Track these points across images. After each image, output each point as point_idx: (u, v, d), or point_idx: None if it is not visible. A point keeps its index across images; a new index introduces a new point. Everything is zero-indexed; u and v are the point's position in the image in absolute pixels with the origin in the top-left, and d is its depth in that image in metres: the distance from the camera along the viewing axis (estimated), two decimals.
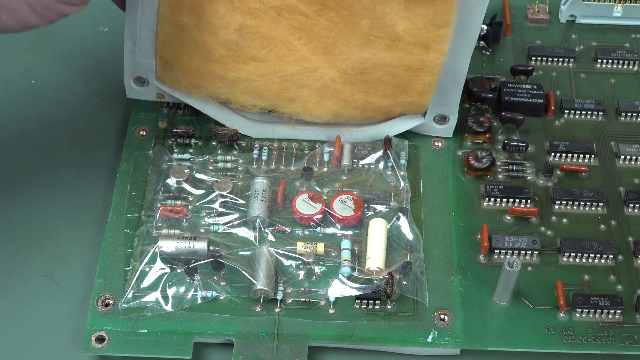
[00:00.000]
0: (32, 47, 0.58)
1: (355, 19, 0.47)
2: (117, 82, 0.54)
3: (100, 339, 0.45)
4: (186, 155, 0.52)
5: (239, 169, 0.51)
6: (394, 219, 0.49)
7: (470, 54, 0.49)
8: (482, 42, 0.58)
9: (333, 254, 0.48)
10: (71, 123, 0.54)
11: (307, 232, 0.49)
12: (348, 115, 0.52)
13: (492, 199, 0.50)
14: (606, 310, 0.46)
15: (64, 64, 0.57)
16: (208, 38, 0.48)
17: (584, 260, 0.48)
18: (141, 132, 0.53)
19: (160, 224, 0.49)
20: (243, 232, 0.48)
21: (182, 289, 0.46)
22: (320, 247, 0.48)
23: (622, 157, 0.53)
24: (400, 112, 0.52)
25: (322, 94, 0.50)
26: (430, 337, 0.45)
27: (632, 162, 0.53)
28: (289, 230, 0.49)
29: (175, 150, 0.52)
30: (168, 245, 0.47)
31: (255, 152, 0.52)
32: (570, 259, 0.48)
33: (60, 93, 0.55)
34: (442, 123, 0.52)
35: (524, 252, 0.48)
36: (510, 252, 0.48)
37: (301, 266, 0.47)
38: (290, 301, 0.46)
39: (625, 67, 0.58)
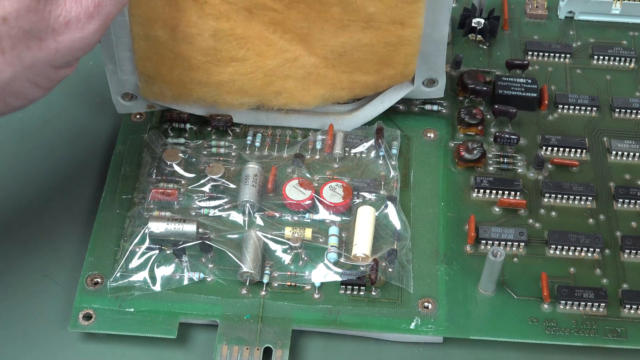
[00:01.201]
0: None
1: (325, 7, 0.47)
2: None
3: (88, 317, 0.45)
4: (181, 140, 0.53)
5: (232, 154, 0.52)
6: (383, 207, 0.49)
7: (447, 21, 0.49)
8: (479, 36, 0.58)
9: (321, 240, 0.48)
10: (71, 123, 0.55)
11: (296, 218, 0.49)
12: (336, 97, 0.52)
13: (482, 191, 0.51)
14: (590, 303, 0.46)
15: None
16: (185, 47, 0.49)
17: (570, 253, 0.48)
18: (137, 116, 0.54)
19: (152, 206, 0.49)
20: (233, 216, 0.49)
21: (169, 270, 0.47)
22: (308, 232, 0.48)
23: (614, 152, 0.53)
24: (387, 85, 0.52)
25: (307, 81, 0.51)
26: (413, 324, 0.46)
27: (624, 158, 0.53)
28: (278, 216, 0.49)
29: (170, 135, 0.53)
30: (158, 227, 0.47)
31: (249, 138, 0.53)
32: (557, 252, 0.48)
33: (60, 93, 0.56)
34: (431, 86, 0.53)
35: (510, 243, 0.48)
36: (497, 242, 0.48)
37: (288, 251, 0.48)
38: (276, 285, 0.47)
39: (621, 64, 0.58)
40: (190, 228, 0.48)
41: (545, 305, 0.46)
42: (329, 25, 0.48)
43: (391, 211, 0.49)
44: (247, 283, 0.47)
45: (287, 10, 0.47)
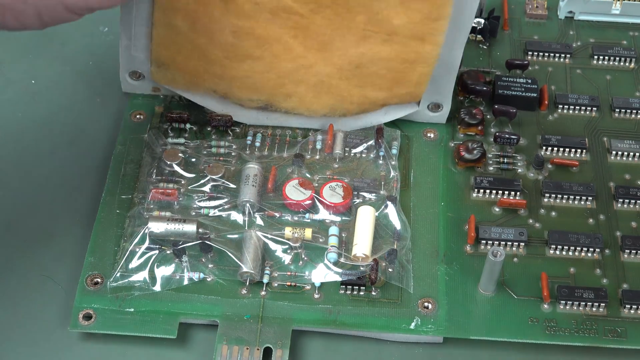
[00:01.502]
0: (32, 47, 0.59)
1: (351, 15, 0.47)
2: (116, 82, 0.54)
3: (88, 317, 0.45)
4: (181, 140, 0.53)
5: (232, 154, 0.52)
6: (382, 207, 0.49)
7: (463, 44, 0.49)
8: (479, 36, 0.58)
9: (321, 240, 0.48)
10: (71, 123, 0.55)
11: (296, 218, 0.49)
12: (344, 109, 0.52)
13: (482, 191, 0.51)
14: (590, 303, 0.46)
15: (64, 64, 0.57)
16: (204, 41, 0.49)
17: (570, 253, 0.48)
18: (137, 116, 0.54)
19: (152, 206, 0.49)
20: (233, 216, 0.49)
21: (169, 270, 0.47)
22: (308, 232, 0.48)
23: (614, 152, 0.53)
24: (395, 103, 0.52)
25: (319, 90, 0.51)
26: (413, 324, 0.46)
27: (624, 158, 0.53)
28: (278, 216, 0.49)
29: (170, 135, 0.53)
30: (158, 227, 0.47)
31: (249, 138, 0.53)
32: (557, 252, 0.48)
33: (60, 93, 0.56)
34: (435, 111, 0.53)
35: (510, 243, 0.48)
36: (497, 242, 0.48)
37: (288, 251, 0.48)
38: (276, 285, 0.47)
39: (621, 64, 0.58)
40: (190, 228, 0.48)
41: (545, 305, 0.46)
42: (351, 33, 0.48)
43: (391, 211, 0.49)
44: (247, 283, 0.47)
45: (312, 15, 0.47)
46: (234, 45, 0.49)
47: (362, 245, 0.47)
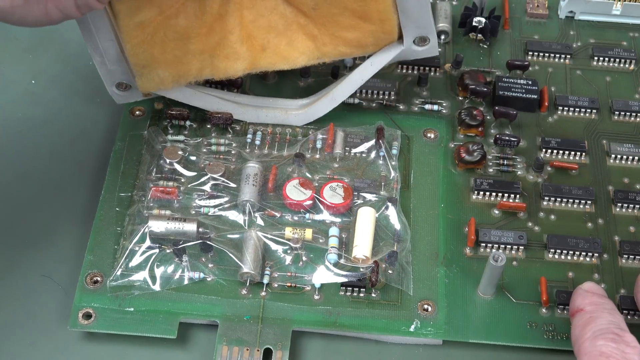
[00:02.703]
0: (32, 47, 0.58)
1: None
2: None
3: (87, 316, 0.45)
4: (180, 137, 0.52)
5: (232, 152, 0.52)
6: (383, 208, 0.49)
7: None
8: (479, 35, 0.58)
9: (321, 241, 0.48)
10: (71, 123, 0.54)
11: (296, 218, 0.49)
12: (321, 53, 0.51)
13: (482, 193, 0.51)
14: None
15: (64, 64, 0.57)
16: (173, 20, 0.48)
17: (569, 257, 0.49)
18: (137, 112, 0.54)
19: (151, 204, 0.49)
20: (233, 215, 0.49)
21: (170, 269, 0.47)
22: (309, 233, 0.48)
23: (613, 155, 0.53)
24: (373, 43, 0.51)
25: (289, 34, 0.50)
26: (412, 326, 0.46)
27: (623, 162, 0.53)
28: (278, 215, 0.49)
29: (170, 132, 0.53)
30: (158, 226, 0.47)
31: (249, 136, 0.53)
32: (556, 256, 0.49)
33: (60, 93, 0.56)
34: (422, 45, 0.51)
35: (510, 246, 0.49)
36: (497, 246, 0.49)
37: (288, 251, 0.48)
38: (276, 285, 0.47)
39: (621, 65, 0.58)
40: (190, 227, 0.47)
41: (544, 310, 0.47)
42: None
43: (391, 213, 0.49)
44: (247, 283, 0.47)
45: None
46: (200, 9, 0.48)
47: (363, 247, 0.47)
